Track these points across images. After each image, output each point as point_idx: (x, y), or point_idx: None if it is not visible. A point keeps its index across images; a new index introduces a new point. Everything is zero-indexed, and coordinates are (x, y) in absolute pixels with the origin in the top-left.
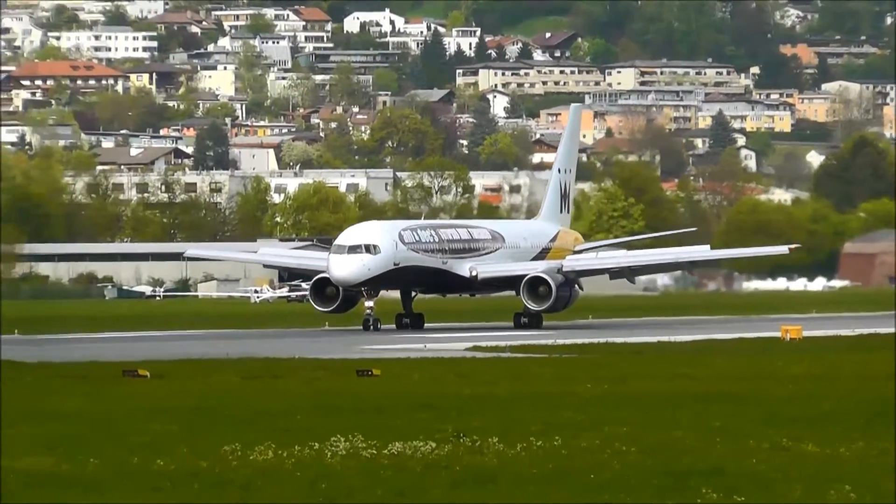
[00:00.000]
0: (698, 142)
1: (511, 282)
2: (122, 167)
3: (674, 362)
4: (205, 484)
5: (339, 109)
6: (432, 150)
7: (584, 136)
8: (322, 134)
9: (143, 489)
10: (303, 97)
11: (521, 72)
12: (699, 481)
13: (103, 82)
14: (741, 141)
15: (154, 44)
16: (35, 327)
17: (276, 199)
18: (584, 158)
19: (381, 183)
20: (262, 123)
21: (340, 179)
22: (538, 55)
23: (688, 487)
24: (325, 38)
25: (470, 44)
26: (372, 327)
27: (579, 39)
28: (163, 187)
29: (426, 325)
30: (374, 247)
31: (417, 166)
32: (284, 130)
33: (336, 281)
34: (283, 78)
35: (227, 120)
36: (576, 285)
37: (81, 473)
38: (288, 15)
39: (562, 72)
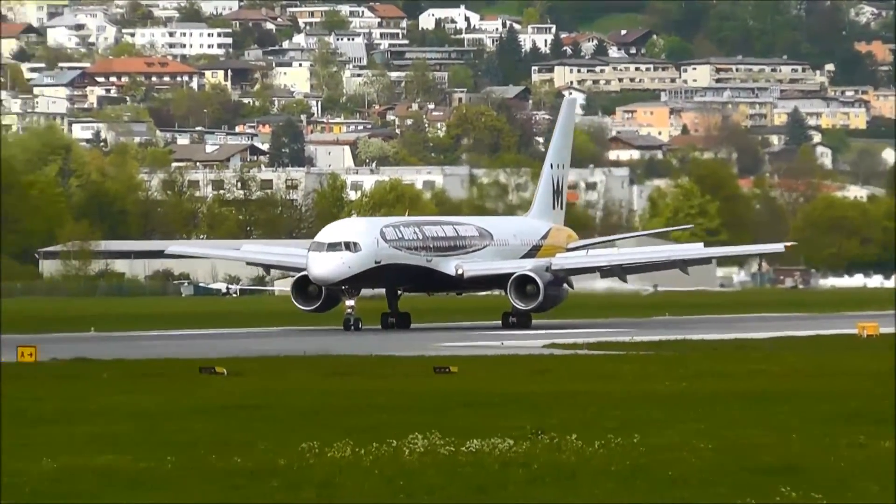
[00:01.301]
0: (774, 139)
1: (498, 280)
2: (198, 164)
3: (751, 359)
4: (283, 481)
5: (415, 106)
6: (508, 147)
7: (660, 133)
8: (398, 131)
9: (221, 487)
10: (378, 94)
11: (597, 68)
12: (777, 479)
13: (178, 79)
14: (817, 138)
15: (229, 40)
16: (111, 325)
17: (353, 196)
18: (661, 155)
19: (457, 180)
20: (337, 120)
21: (416, 176)
22: (613, 52)
23: (765, 485)
24: (400, 35)
25: (545, 41)
26: (353, 327)
27: (654, 37)
28: (238, 184)
29: (412, 325)
30: (355, 244)
31: (493, 163)
32: (360, 127)
33: (315, 279)
34: (359, 75)
35: (303, 117)
36: (565, 284)
37: (159, 471)
38: (363, 11)
39: (637, 69)
